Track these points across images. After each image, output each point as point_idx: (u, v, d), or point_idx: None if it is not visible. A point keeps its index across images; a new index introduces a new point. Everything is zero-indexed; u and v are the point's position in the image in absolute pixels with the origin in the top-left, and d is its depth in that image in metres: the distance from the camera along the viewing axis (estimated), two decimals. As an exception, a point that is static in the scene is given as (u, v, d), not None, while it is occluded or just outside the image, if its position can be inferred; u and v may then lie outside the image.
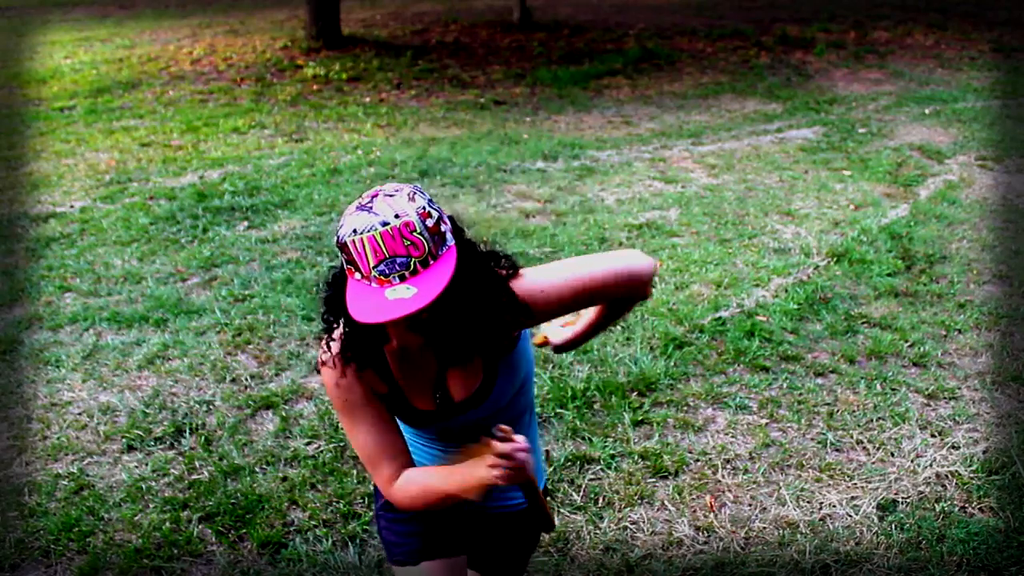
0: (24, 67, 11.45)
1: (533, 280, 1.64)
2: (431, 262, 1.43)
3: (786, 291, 4.65)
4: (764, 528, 2.94)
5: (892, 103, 9.14)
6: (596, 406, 3.62)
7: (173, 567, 2.79)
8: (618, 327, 4.25)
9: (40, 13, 16.75)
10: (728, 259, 5.10)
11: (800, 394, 3.71)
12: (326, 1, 12.09)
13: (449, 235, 1.48)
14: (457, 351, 1.61)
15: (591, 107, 9.23)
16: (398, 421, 1.73)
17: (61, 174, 6.91)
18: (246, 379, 3.85)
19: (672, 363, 3.92)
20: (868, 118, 8.53)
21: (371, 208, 1.42)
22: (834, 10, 14.95)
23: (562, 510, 3.02)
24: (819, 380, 3.83)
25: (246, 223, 5.73)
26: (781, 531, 2.92)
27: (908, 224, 5.62)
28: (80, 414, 3.61)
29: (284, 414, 3.58)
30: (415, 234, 1.42)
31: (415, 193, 1.45)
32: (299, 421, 3.54)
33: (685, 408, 3.63)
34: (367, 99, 9.49)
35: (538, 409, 3.56)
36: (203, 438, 3.42)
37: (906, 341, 4.13)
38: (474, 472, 1.53)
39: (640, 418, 3.54)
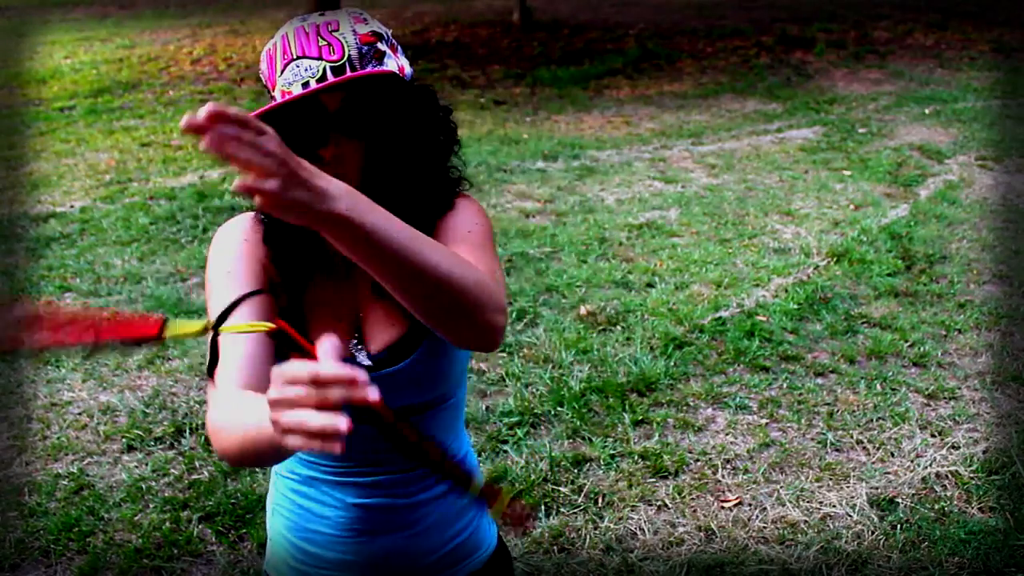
0: (24, 67, 11.45)
1: (471, 212, 1.32)
2: (347, 71, 1.15)
3: (786, 291, 4.65)
4: (764, 528, 2.94)
5: (892, 103, 9.14)
6: (596, 406, 3.62)
7: (173, 567, 2.79)
8: (618, 327, 4.26)
9: (40, 13, 16.75)
10: (728, 259, 5.10)
11: (800, 394, 3.71)
12: (326, 1, 12.09)
13: (391, 59, 1.20)
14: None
15: (591, 107, 9.23)
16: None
17: (61, 174, 6.91)
18: (246, 379, 3.85)
19: (672, 363, 3.92)
20: (868, 118, 8.53)
21: (305, 17, 1.20)
22: (834, 10, 14.95)
23: (562, 510, 3.02)
24: (819, 380, 3.83)
25: (246, 223, 5.74)
26: (781, 531, 2.92)
27: (908, 224, 5.62)
28: (80, 414, 3.61)
29: (284, 414, 3.57)
30: (335, 34, 1.16)
31: (368, 15, 1.22)
32: (299, 421, 3.53)
33: (685, 408, 3.63)
34: (367, 99, 9.49)
35: (538, 409, 3.57)
36: (203, 438, 3.42)
37: (906, 341, 4.13)
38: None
39: (640, 418, 3.54)
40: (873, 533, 2.90)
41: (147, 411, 3.60)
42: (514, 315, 4.38)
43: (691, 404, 3.65)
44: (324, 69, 1.15)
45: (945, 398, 3.69)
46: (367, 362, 1.28)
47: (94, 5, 17.35)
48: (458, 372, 1.37)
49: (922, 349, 4.06)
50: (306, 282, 1.29)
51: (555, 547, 2.85)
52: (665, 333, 4.17)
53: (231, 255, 1.26)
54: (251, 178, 0.85)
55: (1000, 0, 15.49)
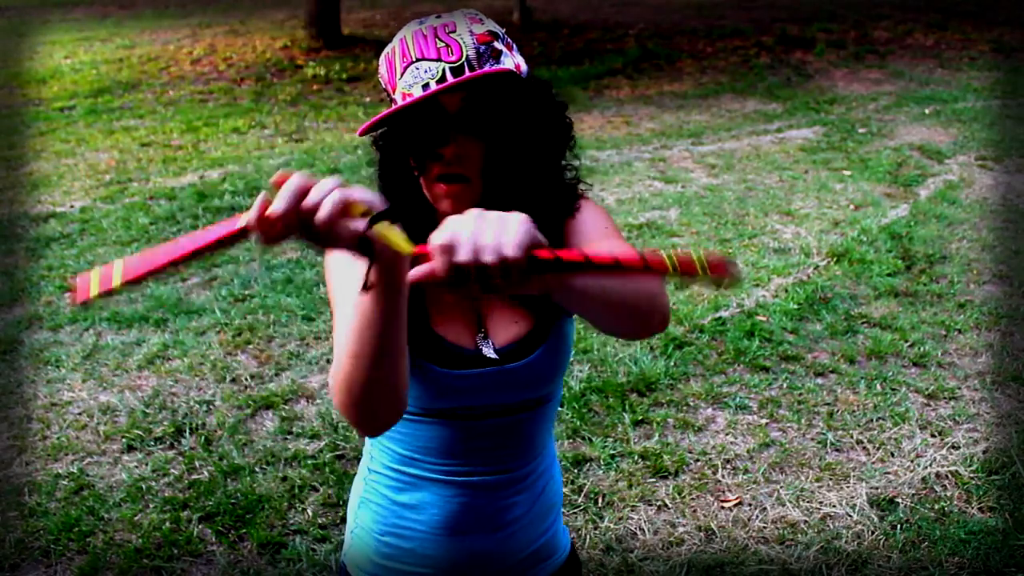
0: (24, 67, 11.46)
1: (597, 214, 1.34)
2: (466, 72, 1.14)
3: (786, 291, 4.65)
4: (764, 528, 2.94)
5: (892, 103, 9.14)
6: (596, 406, 3.62)
7: (173, 567, 2.79)
8: (618, 327, 4.25)
9: (40, 13, 16.75)
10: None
11: (800, 394, 3.71)
12: (326, 1, 12.09)
13: (507, 58, 1.19)
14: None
15: (591, 107, 9.23)
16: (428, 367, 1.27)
17: (61, 174, 6.91)
18: (246, 379, 3.85)
19: (672, 363, 3.92)
20: (868, 118, 8.53)
21: (422, 20, 1.20)
22: (834, 10, 14.95)
23: (562, 510, 3.02)
24: (819, 380, 3.83)
25: (246, 223, 5.73)
26: (781, 531, 2.92)
27: (908, 224, 5.62)
28: (80, 414, 3.61)
29: (284, 414, 3.58)
30: (452, 35, 1.15)
31: (485, 17, 1.22)
32: (299, 421, 3.54)
33: (685, 408, 3.63)
34: (367, 99, 9.49)
35: (538, 409, 3.58)
36: (203, 438, 3.42)
37: (906, 341, 4.13)
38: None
39: (640, 418, 3.54)
40: (873, 533, 2.90)
41: (147, 411, 3.60)
42: (514, 315, 4.37)
43: (691, 404, 3.65)
44: (443, 70, 1.15)
45: (945, 398, 3.69)
46: (493, 355, 1.29)
47: (94, 5, 17.35)
48: (564, 371, 1.40)
49: (922, 349, 4.06)
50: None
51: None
52: (665, 333, 4.17)
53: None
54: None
55: (1000, 0, 15.49)
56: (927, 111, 8.77)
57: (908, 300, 4.58)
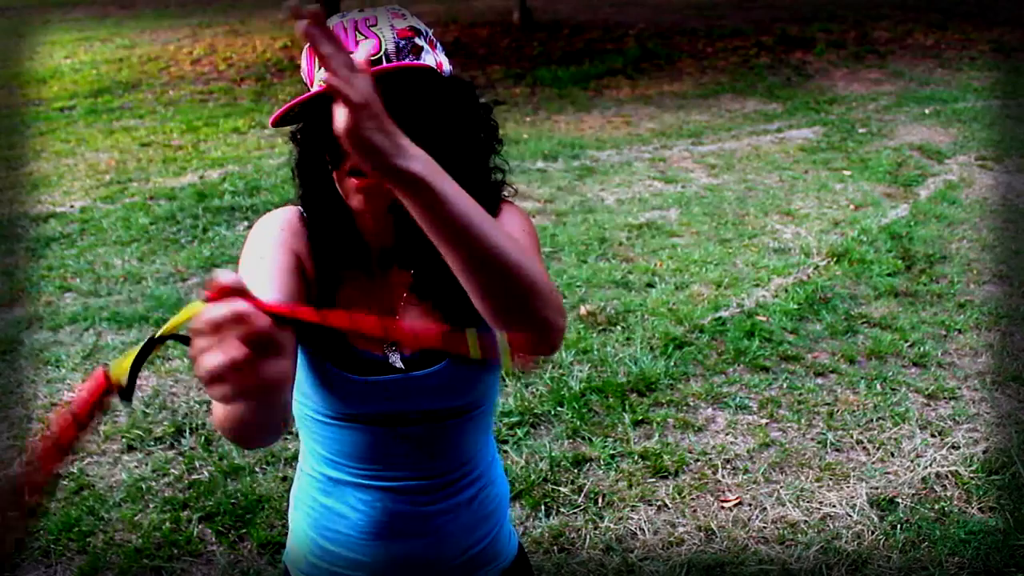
0: (24, 67, 11.46)
1: (520, 218, 1.33)
2: (383, 64, 1.12)
3: (786, 291, 4.65)
4: (764, 528, 2.94)
5: (892, 103, 9.14)
6: (596, 406, 3.62)
7: (173, 567, 2.79)
8: (618, 327, 4.26)
9: (40, 13, 16.75)
10: (728, 259, 5.10)
11: (800, 394, 3.71)
12: (326, 1, 12.09)
13: (428, 55, 1.18)
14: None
15: (591, 107, 9.23)
16: (335, 377, 1.26)
17: (61, 174, 6.91)
18: (246, 379, 3.84)
19: (672, 363, 3.92)
20: (868, 118, 8.53)
21: (345, 13, 1.19)
22: (834, 10, 14.95)
23: (562, 510, 3.02)
24: (819, 380, 3.83)
25: (246, 223, 5.73)
26: (781, 531, 2.92)
27: (908, 224, 5.62)
28: (80, 414, 3.61)
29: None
30: (372, 28, 1.14)
31: (410, 15, 1.20)
32: (299, 421, 3.54)
33: (685, 408, 3.63)
34: (367, 99, 9.49)
35: (538, 409, 3.56)
36: (203, 438, 3.42)
37: (906, 341, 4.13)
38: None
39: (640, 418, 3.54)
40: (873, 533, 2.90)
41: (147, 411, 3.60)
42: (514, 315, 4.37)
43: (691, 404, 3.65)
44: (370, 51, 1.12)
45: (945, 398, 3.69)
46: (399, 364, 1.28)
47: (94, 5, 17.36)
48: (490, 381, 1.36)
49: (922, 349, 4.06)
50: (341, 279, 1.28)
51: (555, 547, 2.85)
52: (665, 333, 4.17)
53: (268, 242, 1.24)
54: (341, 83, 0.83)
55: (1000, 0, 15.49)
56: (927, 111, 8.77)
57: (908, 300, 4.58)
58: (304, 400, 1.33)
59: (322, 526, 1.38)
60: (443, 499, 1.36)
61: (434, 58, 1.20)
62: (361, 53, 0.95)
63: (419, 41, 1.18)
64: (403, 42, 1.16)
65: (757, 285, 4.76)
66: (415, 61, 1.16)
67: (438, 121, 1.20)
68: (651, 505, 3.05)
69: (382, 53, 1.14)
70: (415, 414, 1.29)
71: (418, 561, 1.36)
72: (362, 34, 1.14)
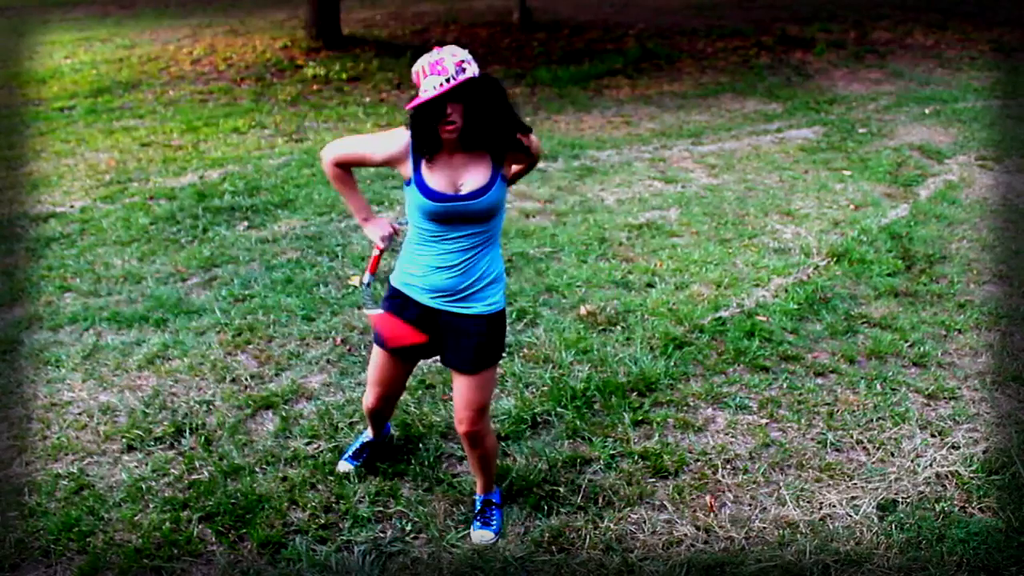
0: (24, 67, 11.46)
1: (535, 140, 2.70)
2: (452, 80, 2.41)
3: (786, 291, 4.65)
4: (764, 528, 2.94)
5: (892, 103, 9.14)
6: (596, 406, 3.62)
7: (173, 567, 2.79)
8: (618, 327, 4.26)
9: (40, 13, 16.76)
10: (728, 259, 5.10)
11: (800, 394, 3.71)
12: (326, 1, 12.09)
13: (470, 71, 2.45)
14: (474, 139, 2.52)
15: (591, 107, 9.23)
16: (418, 199, 2.57)
17: (61, 174, 6.91)
18: (246, 379, 3.85)
19: (672, 363, 3.92)
20: (868, 118, 8.53)
21: (428, 53, 2.49)
22: (834, 10, 14.95)
23: (562, 510, 3.02)
24: (819, 380, 3.83)
25: (246, 223, 5.73)
26: (781, 531, 2.92)
27: (908, 224, 5.62)
28: (80, 414, 3.61)
29: (284, 414, 3.58)
30: (442, 64, 2.43)
31: (459, 50, 2.48)
32: (299, 421, 3.54)
33: (685, 408, 3.63)
34: (367, 99, 9.50)
35: (538, 409, 3.57)
36: (203, 438, 3.42)
37: (906, 341, 4.13)
38: (369, 220, 2.87)
39: (640, 418, 3.54)
40: (873, 533, 2.90)
41: (147, 411, 3.60)
42: (514, 315, 4.38)
43: (691, 404, 3.65)
44: (440, 81, 2.42)
45: (945, 398, 3.69)
46: (465, 194, 2.57)
47: (94, 5, 17.36)
48: (501, 214, 2.67)
49: (922, 349, 4.06)
50: (431, 158, 2.58)
51: (555, 547, 2.85)
52: (665, 333, 4.17)
53: (389, 134, 2.71)
54: None
55: (1000, 0, 15.49)
56: (927, 111, 8.78)
57: (908, 300, 4.58)
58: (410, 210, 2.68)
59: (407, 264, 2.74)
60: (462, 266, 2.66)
61: (472, 70, 2.47)
62: (431, 93, 2.42)
63: (465, 65, 2.46)
64: (457, 68, 2.44)
65: (757, 285, 4.76)
66: (463, 76, 2.44)
67: (478, 98, 2.49)
68: (651, 505, 3.05)
69: (450, 75, 2.42)
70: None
71: (444, 285, 2.67)
72: (440, 67, 2.44)
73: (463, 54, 2.45)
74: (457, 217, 2.56)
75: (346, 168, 2.79)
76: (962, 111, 8.72)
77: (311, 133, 8.13)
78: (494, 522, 2.93)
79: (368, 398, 2.98)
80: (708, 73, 10.83)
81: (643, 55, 11.55)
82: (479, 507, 2.98)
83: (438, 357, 2.84)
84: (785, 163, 7.08)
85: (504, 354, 2.86)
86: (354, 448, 3.28)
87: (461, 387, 2.74)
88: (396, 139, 2.62)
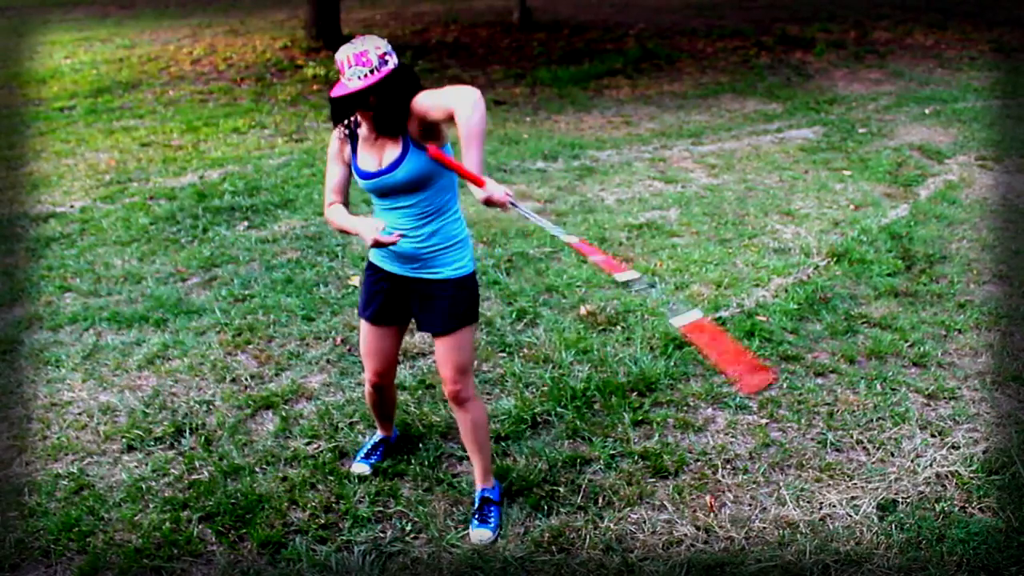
0: (24, 67, 11.46)
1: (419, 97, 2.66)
2: (376, 72, 2.58)
3: (786, 291, 4.65)
4: (764, 528, 2.94)
5: (892, 103, 9.14)
6: (596, 406, 3.62)
7: (173, 567, 2.79)
8: (618, 327, 4.26)
9: (40, 13, 16.76)
10: (728, 259, 5.10)
11: (800, 394, 3.71)
12: (326, 1, 12.09)
13: (391, 62, 2.61)
14: (381, 123, 2.68)
15: (591, 107, 9.23)
16: (357, 179, 2.81)
17: (61, 174, 6.91)
18: (246, 379, 3.85)
19: (672, 363, 3.92)
20: (868, 118, 8.53)
21: (352, 42, 2.63)
22: (834, 10, 14.95)
23: (562, 510, 3.02)
24: (819, 380, 3.83)
25: (246, 223, 5.73)
26: (781, 531, 2.92)
27: (908, 224, 5.62)
28: (80, 414, 3.61)
29: (284, 414, 3.58)
30: (366, 56, 2.57)
31: (381, 41, 2.63)
32: (299, 421, 3.54)
33: (685, 408, 3.63)
34: (367, 99, 9.49)
35: (538, 409, 3.57)
36: (203, 438, 3.42)
37: (906, 341, 4.13)
38: (360, 227, 2.72)
39: (640, 418, 3.54)
40: (873, 533, 2.90)
41: (147, 411, 3.60)
42: (514, 315, 4.38)
43: (691, 404, 3.65)
44: (362, 73, 2.59)
45: (945, 398, 3.69)
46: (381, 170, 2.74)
47: (94, 5, 17.36)
48: (435, 190, 2.77)
49: (922, 349, 4.06)
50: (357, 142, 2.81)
51: (555, 547, 2.85)
52: (665, 333, 4.17)
53: (329, 149, 2.91)
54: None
55: (1000, 0, 15.49)
56: (927, 111, 8.78)
57: (908, 300, 4.58)
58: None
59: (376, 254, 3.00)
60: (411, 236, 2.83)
61: (394, 61, 2.64)
62: (355, 84, 2.58)
63: (387, 57, 2.62)
64: (379, 61, 2.60)
65: (757, 285, 4.76)
66: (386, 69, 2.61)
67: (400, 92, 2.64)
68: (651, 505, 3.05)
69: (373, 67, 2.59)
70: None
71: (399, 252, 2.85)
72: (364, 58, 2.59)
73: (385, 46, 2.60)
74: (389, 190, 2.74)
75: (341, 203, 2.91)
76: (962, 111, 8.72)
77: (311, 133, 8.13)
78: (492, 520, 2.94)
79: (366, 374, 3.10)
80: (708, 73, 10.83)
81: (643, 55, 11.55)
82: (477, 504, 2.99)
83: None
84: (785, 163, 7.08)
85: (478, 317, 2.94)
86: (367, 448, 3.32)
87: (440, 350, 2.89)
88: (333, 142, 2.86)
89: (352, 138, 2.79)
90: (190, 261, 5.10)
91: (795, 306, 4.46)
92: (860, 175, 6.72)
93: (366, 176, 2.76)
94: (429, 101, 2.57)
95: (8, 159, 7.41)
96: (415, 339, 4.16)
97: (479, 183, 2.53)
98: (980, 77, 10.33)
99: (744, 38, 12.69)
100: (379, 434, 3.34)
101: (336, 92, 2.59)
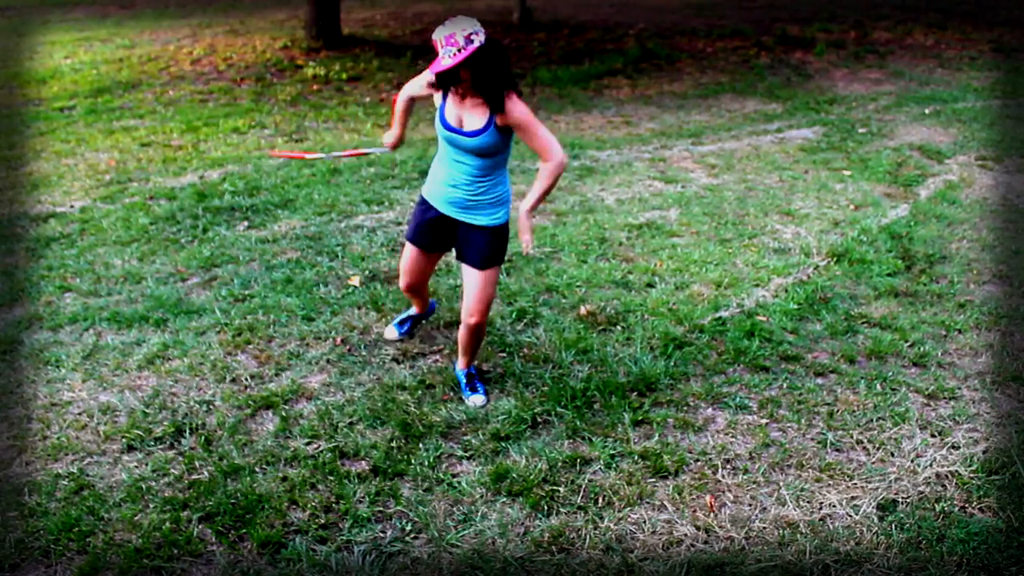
0: (24, 67, 11.46)
1: (522, 107, 3.18)
2: (463, 52, 3.00)
3: (786, 291, 4.65)
4: (764, 528, 2.94)
5: (892, 103, 9.14)
6: (596, 406, 3.62)
7: (173, 567, 2.79)
8: (618, 327, 4.26)
9: (40, 13, 16.76)
10: (728, 259, 5.10)
11: (800, 394, 3.71)
12: (326, 1, 12.09)
13: (477, 41, 3.01)
14: (479, 91, 3.13)
15: (591, 107, 9.23)
16: (439, 124, 3.30)
17: (61, 174, 6.91)
18: (246, 379, 3.85)
19: (672, 363, 3.92)
20: (868, 118, 8.53)
21: (443, 24, 3.04)
22: (834, 10, 14.96)
23: (562, 510, 3.02)
24: (819, 380, 3.83)
25: (246, 223, 5.73)
26: (781, 531, 2.92)
27: (908, 224, 5.62)
28: (80, 414, 3.61)
29: (284, 414, 3.58)
30: (454, 38, 3.00)
31: (468, 22, 3.04)
32: (299, 421, 3.54)
33: (685, 408, 3.63)
34: (367, 99, 9.50)
35: (538, 409, 3.58)
36: (203, 438, 3.42)
37: (906, 341, 4.13)
38: (388, 134, 3.71)
39: (640, 418, 3.54)
40: (873, 533, 2.90)
41: (147, 411, 3.61)
42: (514, 315, 4.38)
43: (691, 404, 3.65)
44: (453, 51, 3.01)
45: (945, 398, 3.69)
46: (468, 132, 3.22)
47: (94, 5, 17.37)
48: (499, 159, 3.30)
49: (922, 349, 4.06)
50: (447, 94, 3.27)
51: (555, 547, 2.85)
52: (665, 333, 4.17)
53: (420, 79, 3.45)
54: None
55: (1000, 0, 15.50)
56: (927, 111, 8.78)
57: (908, 300, 4.58)
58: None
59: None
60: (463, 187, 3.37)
61: (479, 39, 3.02)
62: (447, 63, 3.04)
63: (473, 36, 3.02)
64: (466, 41, 3.01)
65: (757, 285, 4.76)
66: (471, 48, 3.01)
67: (487, 64, 3.08)
68: (651, 505, 3.05)
69: (460, 47, 3.00)
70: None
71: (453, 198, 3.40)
72: (453, 39, 3.00)
73: (472, 26, 3.01)
74: (458, 147, 3.23)
75: (410, 102, 3.58)
76: (962, 111, 8.72)
77: (311, 133, 8.13)
78: (480, 388, 3.65)
79: (401, 281, 3.74)
80: (708, 73, 10.83)
81: (643, 55, 11.54)
82: (464, 380, 3.69)
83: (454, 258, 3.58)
84: (785, 163, 7.08)
85: (504, 261, 3.59)
86: (401, 318, 4.15)
87: (472, 281, 3.41)
88: (426, 76, 3.36)
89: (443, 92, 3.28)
90: (190, 261, 5.10)
91: (795, 306, 4.46)
92: (860, 175, 6.72)
93: (447, 128, 3.24)
94: (539, 131, 3.17)
95: (8, 159, 7.41)
96: (415, 339, 4.17)
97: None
98: (980, 77, 10.33)
99: (744, 38, 12.69)
100: (413, 309, 4.09)
101: (434, 69, 3.06)
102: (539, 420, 3.53)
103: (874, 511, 3.00)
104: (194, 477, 3.20)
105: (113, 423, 3.54)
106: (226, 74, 10.76)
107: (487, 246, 3.38)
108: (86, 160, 7.32)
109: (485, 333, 3.63)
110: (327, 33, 12.08)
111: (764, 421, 3.53)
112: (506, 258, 5.04)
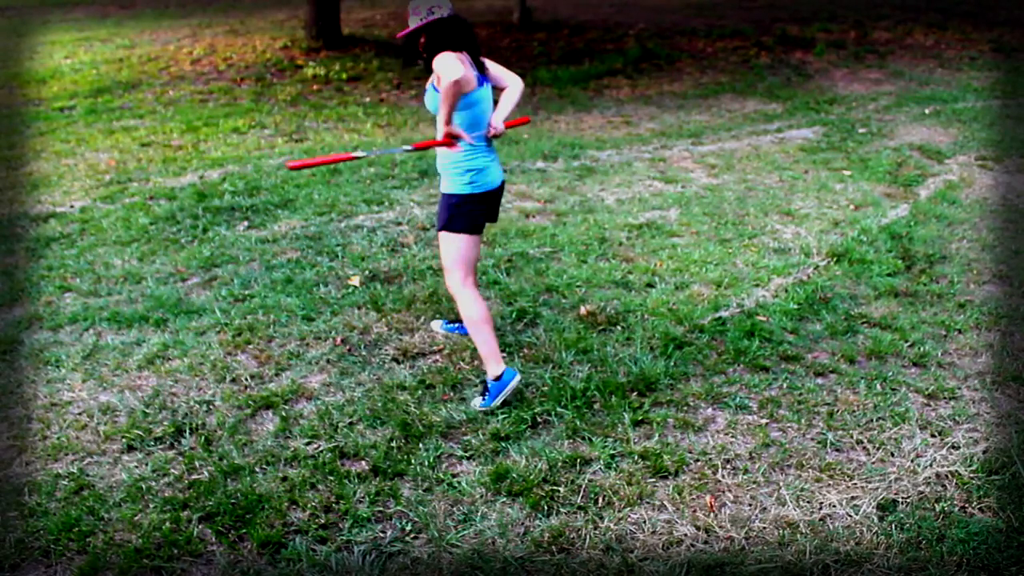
0: (24, 67, 11.46)
1: (440, 57, 3.31)
2: (423, 20, 3.42)
3: (786, 291, 4.65)
4: (764, 528, 2.94)
5: (892, 103, 9.14)
6: (596, 406, 3.62)
7: (173, 567, 2.79)
8: (618, 327, 4.26)
9: (40, 13, 16.76)
10: (728, 259, 5.10)
11: (800, 394, 3.71)
12: (326, 1, 12.09)
13: (439, 13, 3.41)
14: (428, 60, 3.44)
15: (591, 107, 9.23)
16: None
17: (61, 174, 6.91)
18: (246, 379, 3.85)
19: (672, 363, 3.92)
20: (868, 118, 8.53)
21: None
22: (834, 10, 14.96)
23: (562, 510, 3.02)
24: (819, 380, 3.83)
25: (246, 223, 5.73)
26: (781, 531, 2.92)
27: (908, 224, 5.62)
28: (80, 414, 3.61)
29: (284, 414, 3.58)
30: (418, 8, 3.44)
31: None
32: (299, 421, 3.54)
33: (685, 408, 3.63)
34: (367, 99, 9.50)
35: (538, 409, 3.58)
36: (203, 438, 3.42)
37: (906, 341, 4.13)
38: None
39: (640, 418, 3.54)
40: (873, 533, 2.90)
41: (147, 411, 3.61)
42: (514, 315, 4.38)
43: (691, 404, 3.65)
44: (417, 21, 3.46)
45: (945, 398, 3.69)
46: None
47: (94, 5, 17.37)
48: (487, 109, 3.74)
49: (922, 349, 4.06)
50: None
51: (555, 547, 2.85)
52: (665, 333, 4.17)
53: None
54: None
55: (1000, 0, 15.50)
56: (927, 111, 8.78)
57: (908, 300, 4.58)
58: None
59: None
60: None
61: (442, 12, 3.44)
62: (412, 22, 3.47)
63: (434, 8, 3.43)
64: (427, 12, 3.42)
65: (757, 285, 4.76)
66: (432, 17, 3.43)
67: (442, 34, 3.45)
68: (651, 505, 3.05)
69: (422, 16, 3.42)
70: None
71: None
72: (413, 14, 3.45)
73: (439, 2, 3.42)
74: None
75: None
76: (962, 111, 8.72)
77: (311, 133, 8.13)
78: (488, 397, 3.60)
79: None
80: (708, 73, 10.83)
81: (643, 55, 11.55)
82: (481, 384, 3.71)
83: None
84: (785, 163, 7.08)
85: (459, 230, 3.74)
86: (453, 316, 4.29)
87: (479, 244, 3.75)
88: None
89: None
90: (190, 261, 5.10)
91: (795, 306, 4.46)
92: (860, 175, 6.72)
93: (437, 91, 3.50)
94: (440, 72, 3.27)
95: (8, 159, 7.41)
96: (415, 339, 4.17)
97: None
98: (980, 77, 10.33)
99: (744, 38, 12.69)
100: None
101: (400, 33, 3.49)
102: (539, 420, 3.53)
103: (874, 511, 3.00)
104: (194, 477, 3.20)
105: (113, 423, 3.54)
106: (226, 74, 10.76)
107: (441, 209, 3.67)
108: (86, 160, 7.32)
109: (473, 312, 3.61)
110: (327, 33, 12.08)
111: (764, 421, 3.53)
112: (505, 259, 5.06)
